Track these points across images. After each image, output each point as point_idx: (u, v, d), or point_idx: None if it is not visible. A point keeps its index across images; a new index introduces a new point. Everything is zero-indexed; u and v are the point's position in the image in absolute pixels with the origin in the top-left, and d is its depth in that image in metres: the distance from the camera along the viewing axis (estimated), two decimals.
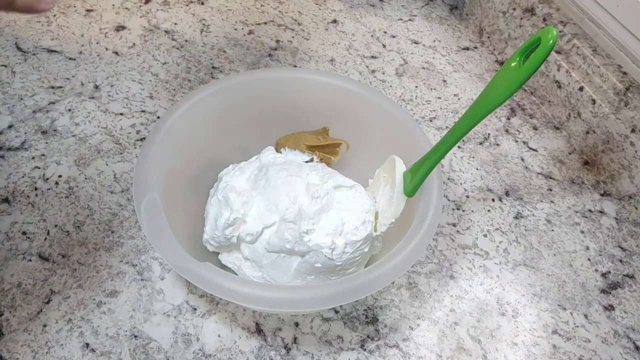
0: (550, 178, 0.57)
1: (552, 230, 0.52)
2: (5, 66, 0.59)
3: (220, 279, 0.34)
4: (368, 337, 0.43)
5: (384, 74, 0.66)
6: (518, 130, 0.61)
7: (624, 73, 0.55)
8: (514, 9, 0.65)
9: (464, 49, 0.71)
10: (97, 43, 0.64)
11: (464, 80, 0.66)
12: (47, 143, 0.53)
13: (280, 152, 0.47)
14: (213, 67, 0.63)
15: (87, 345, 0.40)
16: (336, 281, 0.35)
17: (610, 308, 0.47)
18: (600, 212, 0.54)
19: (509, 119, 0.62)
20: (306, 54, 0.67)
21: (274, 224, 0.40)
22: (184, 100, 0.44)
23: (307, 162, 0.46)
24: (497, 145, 0.59)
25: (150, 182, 0.38)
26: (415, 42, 0.71)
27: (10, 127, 0.54)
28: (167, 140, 0.41)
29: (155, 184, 0.38)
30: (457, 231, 0.51)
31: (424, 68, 0.67)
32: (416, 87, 0.65)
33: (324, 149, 0.48)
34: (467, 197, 0.54)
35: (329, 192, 0.41)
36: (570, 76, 0.59)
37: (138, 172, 0.39)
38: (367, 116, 0.47)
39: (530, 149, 0.59)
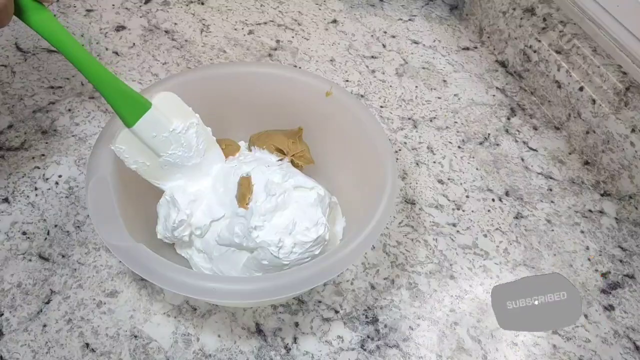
0: (550, 178, 0.57)
1: (552, 230, 0.52)
2: (5, 66, 0.59)
3: (148, 261, 0.35)
4: (368, 337, 0.43)
5: (384, 74, 0.66)
6: (518, 130, 0.61)
7: (624, 73, 0.55)
8: (514, 9, 0.65)
9: (464, 49, 0.71)
10: (97, 43, 0.64)
11: (464, 80, 0.66)
12: (47, 143, 0.53)
13: (250, 150, 0.47)
14: None
15: (87, 345, 0.40)
16: (266, 276, 0.37)
17: (610, 308, 0.47)
18: (600, 212, 0.54)
19: (509, 119, 0.62)
20: (306, 54, 0.67)
21: (223, 217, 0.41)
22: (152, 87, 0.45)
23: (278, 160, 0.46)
24: (497, 145, 0.59)
25: (103, 162, 0.39)
26: (415, 42, 0.71)
27: (10, 127, 0.54)
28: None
29: (109, 165, 0.39)
30: (457, 231, 0.51)
31: (424, 68, 0.67)
32: (416, 87, 0.65)
33: (293, 154, 0.47)
34: (467, 197, 0.54)
35: (286, 191, 0.40)
36: (570, 76, 0.59)
37: (94, 152, 0.40)
38: (335, 115, 0.47)
39: (530, 149, 0.59)
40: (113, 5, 0.70)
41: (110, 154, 0.40)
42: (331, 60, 0.66)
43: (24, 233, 0.46)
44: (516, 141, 0.60)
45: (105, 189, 0.38)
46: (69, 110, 0.56)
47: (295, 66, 0.65)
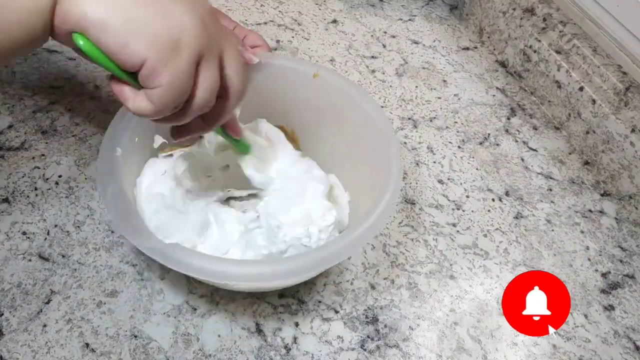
0: (550, 178, 0.57)
1: (552, 230, 0.52)
2: (6, 66, 0.59)
3: (189, 257, 0.35)
4: (368, 337, 0.43)
5: (384, 74, 0.66)
6: (518, 130, 0.61)
7: (624, 73, 0.55)
8: (514, 9, 0.65)
9: (464, 49, 0.71)
10: None
11: (464, 80, 0.66)
12: (47, 143, 0.53)
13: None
14: None
15: (87, 345, 0.40)
16: (301, 255, 0.39)
17: (610, 308, 0.47)
18: (600, 212, 0.54)
19: (509, 119, 0.62)
20: (306, 54, 0.67)
21: (231, 248, 0.42)
22: None
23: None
24: (497, 145, 0.59)
25: (115, 169, 0.39)
26: (415, 42, 0.71)
27: (10, 127, 0.54)
28: (131, 127, 0.43)
29: (121, 171, 0.40)
30: (457, 231, 0.51)
31: (424, 68, 0.67)
32: (416, 87, 0.65)
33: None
34: (467, 197, 0.54)
35: (298, 182, 0.43)
36: (570, 76, 0.59)
37: (102, 159, 0.40)
38: (329, 96, 0.48)
39: (530, 149, 0.59)
40: None
41: (117, 160, 0.40)
42: (331, 60, 0.66)
43: (24, 233, 0.46)
44: (516, 141, 0.60)
45: (123, 196, 0.38)
46: (69, 110, 0.56)
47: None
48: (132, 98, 0.31)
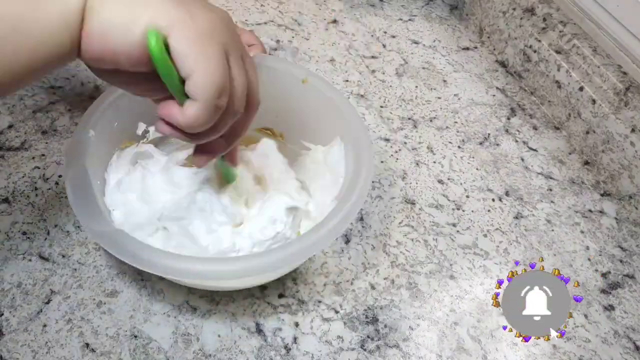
0: (550, 178, 0.57)
1: (552, 230, 0.52)
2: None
3: (130, 245, 0.35)
4: (368, 337, 0.43)
5: (384, 74, 0.66)
6: (518, 130, 0.61)
7: (624, 73, 0.55)
8: (514, 9, 0.65)
9: (464, 49, 0.71)
10: None
11: (464, 80, 0.66)
12: (47, 143, 0.53)
13: None
14: None
15: (87, 345, 0.40)
16: (251, 255, 0.38)
17: (610, 308, 0.47)
18: (600, 212, 0.54)
19: (509, 119, 0.62)
20: (306, 54, 0.67)
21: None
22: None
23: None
24: (497, 145, 0.59)
25: (82, 151, 0.40)
26: (415, 42, 0.71)
27: (10, 127, 0.54)
28: (108, 113, 0.43)
29: (87, 154, 0.40)
30: (457, 231, 0.51)
31: (424, 68, 0.67)
32: (416, 87, 0.65)
33: None
34: (467, 197, 0.54)
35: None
36: (570, 76, 0.59)
37: (73, 139, 0.41)
38: (310, 101, 0.48)
39: (530, 149, 0.59)
40: None
41: (88, 143, 0.40)
42: (331, 60, 0.66)
43: (24, 233, 0.46)
44: (516, 141, 0.60)
45: (84, 177, 0.38)
46: (69, 110, 0.56)
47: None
48: (180, 110, 0.31)
